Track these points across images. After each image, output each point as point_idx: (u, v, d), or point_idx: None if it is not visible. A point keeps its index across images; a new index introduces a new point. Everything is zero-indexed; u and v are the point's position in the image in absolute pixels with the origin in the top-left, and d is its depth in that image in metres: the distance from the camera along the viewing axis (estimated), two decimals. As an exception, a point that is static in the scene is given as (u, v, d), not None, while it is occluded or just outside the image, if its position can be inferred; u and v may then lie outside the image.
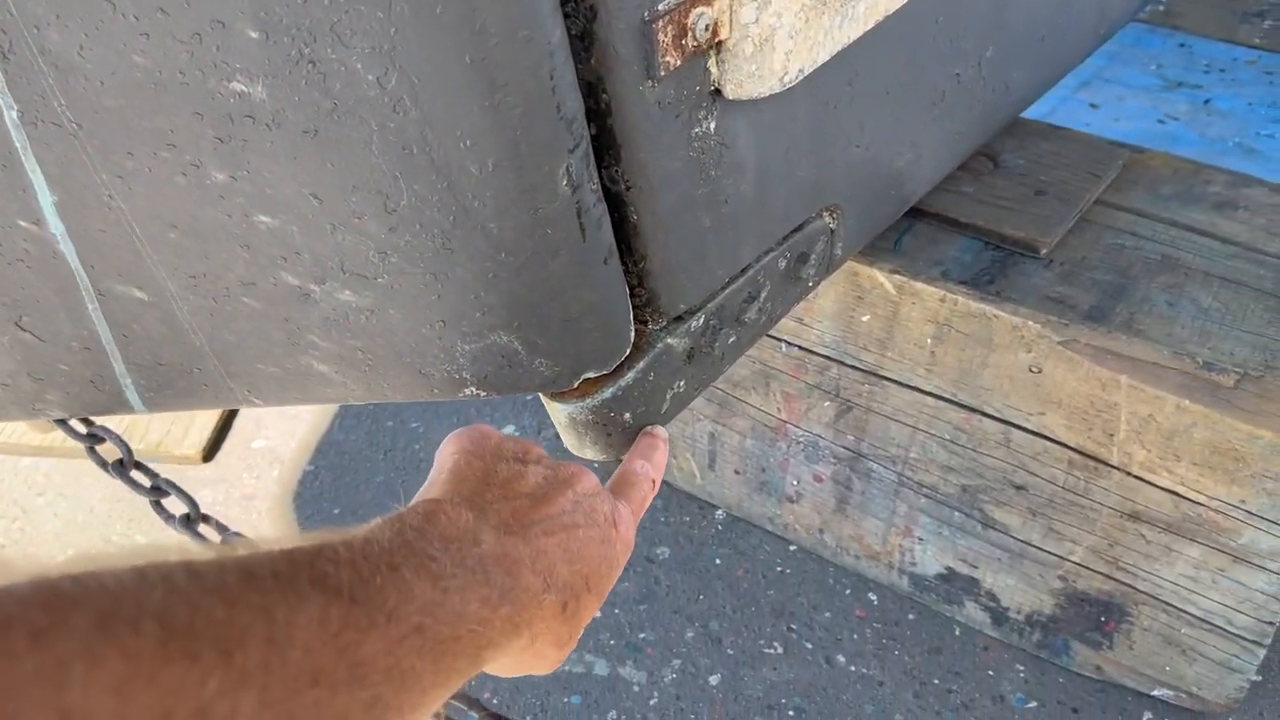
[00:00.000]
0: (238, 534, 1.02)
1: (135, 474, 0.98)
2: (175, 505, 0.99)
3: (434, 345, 0.71)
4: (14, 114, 0.56)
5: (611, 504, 0.61)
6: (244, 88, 0.55)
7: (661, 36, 0.62)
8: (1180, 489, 1.10)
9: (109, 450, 0.97)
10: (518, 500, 0.55)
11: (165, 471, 1.74)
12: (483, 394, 0.74)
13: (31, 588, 0.31)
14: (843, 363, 1.26)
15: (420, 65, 0.53)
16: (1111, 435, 1.11)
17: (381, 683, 0.39)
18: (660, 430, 0.77)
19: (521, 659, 0.53)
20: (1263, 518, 1.07)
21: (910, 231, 1.20)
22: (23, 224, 0.62)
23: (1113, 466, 1.13)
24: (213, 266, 0.64)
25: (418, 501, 0.50)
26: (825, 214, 0.95)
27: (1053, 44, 1.17)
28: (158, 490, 0.97)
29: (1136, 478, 1.12)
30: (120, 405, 0.74)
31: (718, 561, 1.51)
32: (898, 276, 1.15)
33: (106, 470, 0.96)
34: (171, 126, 0.57)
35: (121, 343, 0.69)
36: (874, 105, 0.89)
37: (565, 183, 0.61)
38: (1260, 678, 1.26)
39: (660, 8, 0.61)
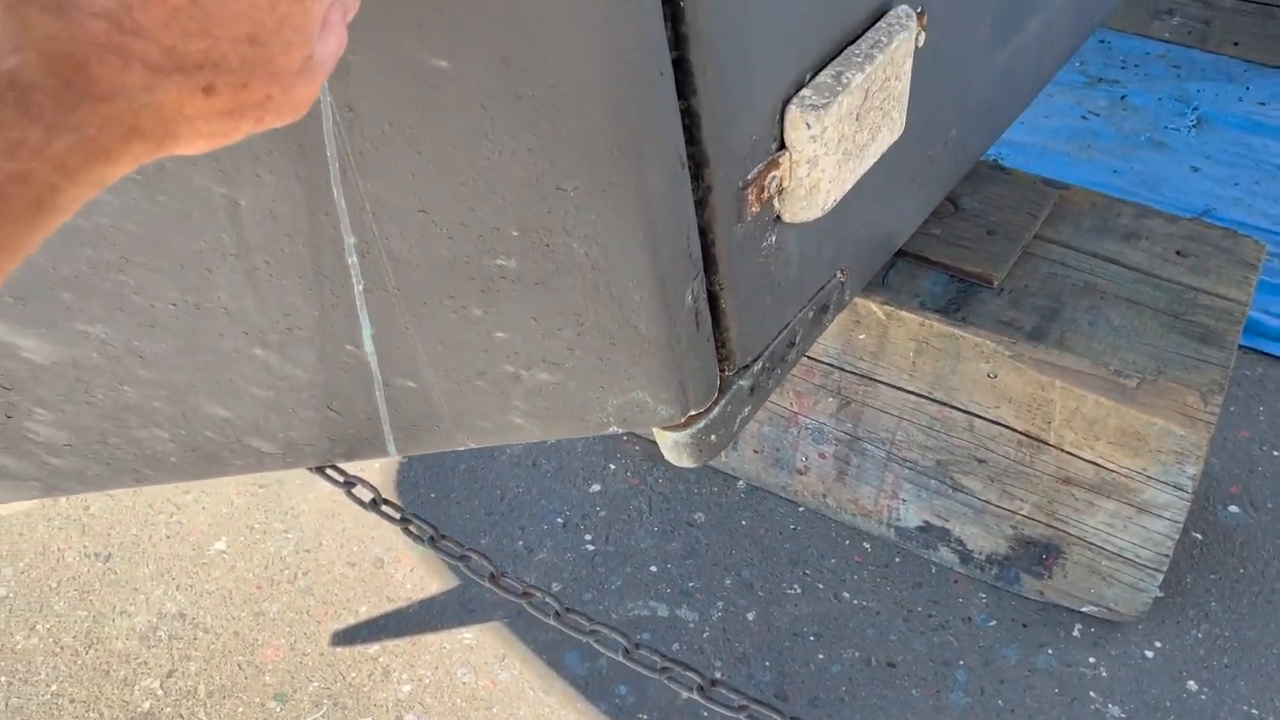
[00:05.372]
0: (473, 550, 1.29)
1: (385, 508, 1.31)
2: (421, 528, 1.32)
3: (594, 403, 1.03)
4: (360, 288, 0.88)
5: None
6: (504, 261, 0.88)
7: (749, 195, 0.95)
8: (1100, 461, 1.47)
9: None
10: None
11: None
12: (620, 431, 1.08)
13: None
14: (843, 369, 1.61)
15: (612, 242, 0.84)
16: (1049, 422, 1.48)
17: None
18: None
19: (204, 139, 0.39)
20: (1158, 480, 1.44)
21: (894, 268, 1.55)
22: (349, 347, 0.94)
23: (1050, 445, 1.50)
24: (460, 364, 0.97)
25: None
26: (839, 273, 1.29)
27: (1001, 107, 1.50)
28: (406, 520, 1.30)
29: (1068, 453, 1.49)
30: (381, 452, 1.06)
31: (744, 523, 1.87)
32: (886, 306, 1.49)
33: (363, 506, 1.30)
34: (454, 290, 0.89)
35: (392, 414, 1.02)
36: (873, 197, 1.21)
37: (690, 298, 0.94)
38: (1162, 594, 1.65)
39: (749, 177, 0.94)
